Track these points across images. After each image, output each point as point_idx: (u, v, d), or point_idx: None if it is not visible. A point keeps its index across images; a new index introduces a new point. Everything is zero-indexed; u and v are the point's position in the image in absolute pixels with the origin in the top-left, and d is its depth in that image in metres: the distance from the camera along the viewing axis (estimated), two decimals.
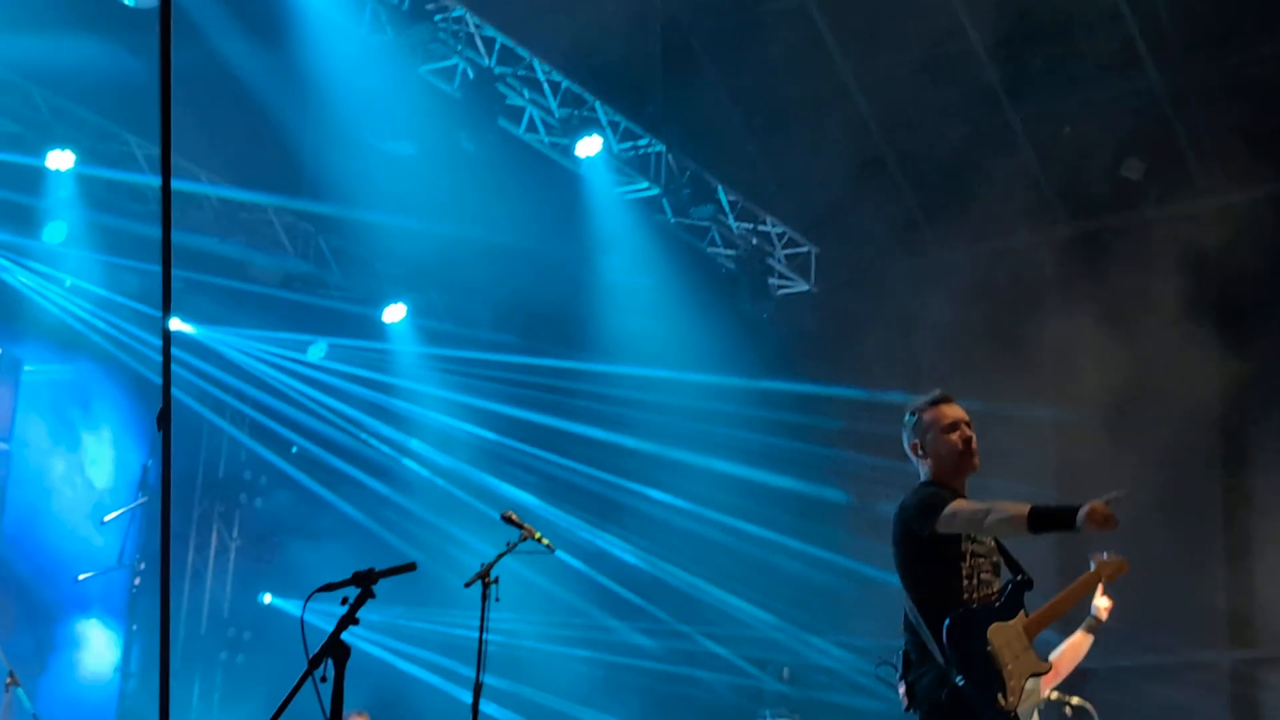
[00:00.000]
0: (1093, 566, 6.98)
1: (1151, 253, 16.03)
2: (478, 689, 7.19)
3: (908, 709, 6.53)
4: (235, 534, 16.66)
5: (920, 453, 6.82)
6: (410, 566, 6.09)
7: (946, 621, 6.34)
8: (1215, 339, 16.15)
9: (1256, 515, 15.70)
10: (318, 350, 16.24)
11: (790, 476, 16.98)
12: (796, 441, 17.09)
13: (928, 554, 6.56)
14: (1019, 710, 6.41)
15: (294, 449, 16.57)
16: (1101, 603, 8.79)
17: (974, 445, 6.77)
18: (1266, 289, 15.57)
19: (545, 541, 7.73)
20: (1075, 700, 9.47)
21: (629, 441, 16.80)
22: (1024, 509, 6.23)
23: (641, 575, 17.04)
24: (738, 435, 16.92)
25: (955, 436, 6.75)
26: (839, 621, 17.05)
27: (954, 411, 6.83)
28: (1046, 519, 6.25)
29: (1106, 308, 15.64)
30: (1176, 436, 15.65)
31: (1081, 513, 6.16)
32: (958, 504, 6.46)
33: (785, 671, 16.93)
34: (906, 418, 6.89)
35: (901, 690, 6.59)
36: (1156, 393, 15.53)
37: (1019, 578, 6.60)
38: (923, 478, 6.85)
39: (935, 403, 6.87)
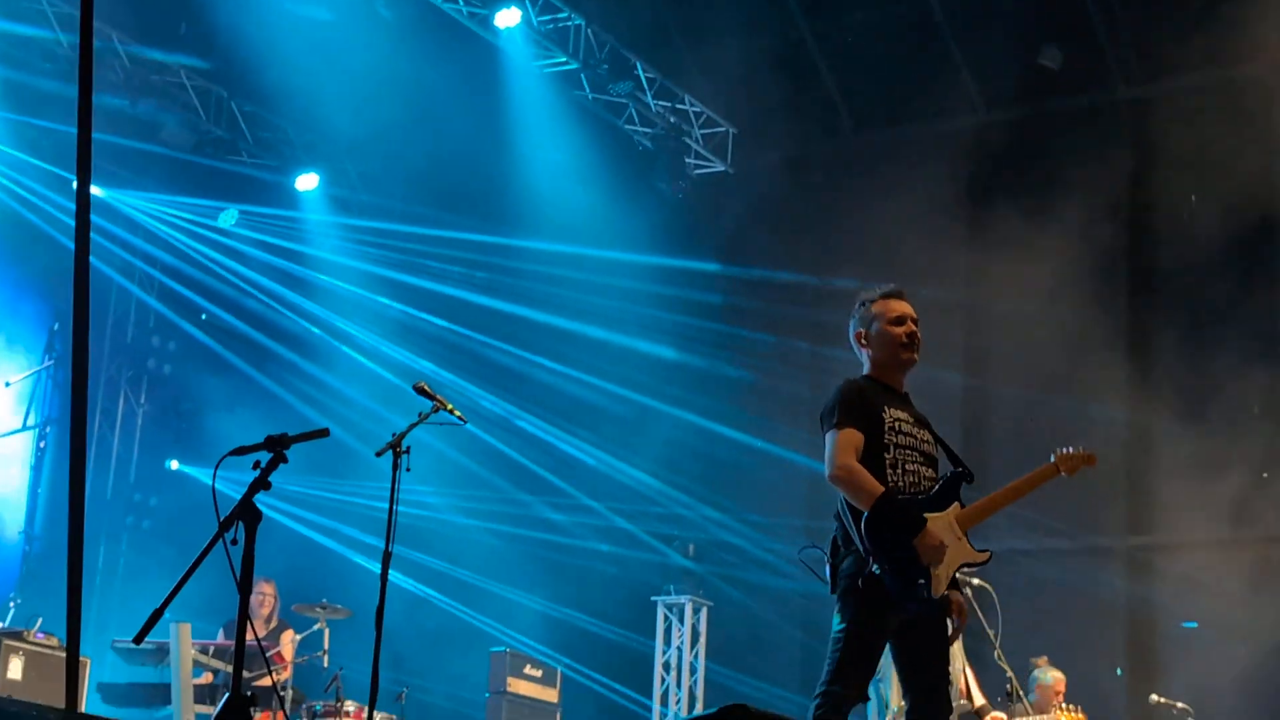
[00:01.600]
0: (1052, 460, 6.98)
1: (1069, 140, 16.15)
2: (386, 559, 7.20)
3: (832, 592, 6.62)
4: (143, 400, 16.54)
5: (864, 341, 6.89)
6: (323, 432, 6.07)
7: (866, 513, 6.42)
8: (1125, 232, 16.34)
9: (1155, 405, 15.96)
10: (229, 217, 16.06)
11: (700, 355, 17.06)
12: (707, 320, 17.15)
13: None
14: None
15: (204, 315, 16.42)
16: None
17: (917, 341, 6.85)
18: (1177, 182, 15.69)
19: (457, 413, 7.71)
20: (976, 581, 9.64)
21: (541, 316, 16.79)
22: (875, 492, 6.40)
23: (552, 450, 17.11)
24: (650, 313, 16.95)
25: (900, 330, 6.83)
26: (744, 499, 17.22)
27: (902, 306, 6.89)
28: (890, 514, 6.42)
29: (1024, 195, 15.73)
30: (1082, 325, 15.85)
31: (919, 540, 6.39)
32: (844, 437, 6.54)
33: (690, 548, 17.09)
34: (857, 307, 6.94)
35: (827, 573, 6.67)
36: (1067, 280, 15.69)
37: (958, 470, 6.67)
38: (864, 368, 6.92)
39: (887, 295, 6.93)
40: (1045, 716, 10.84)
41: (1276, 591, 15.02)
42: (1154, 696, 13.19)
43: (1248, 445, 14.99)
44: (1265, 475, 15.06)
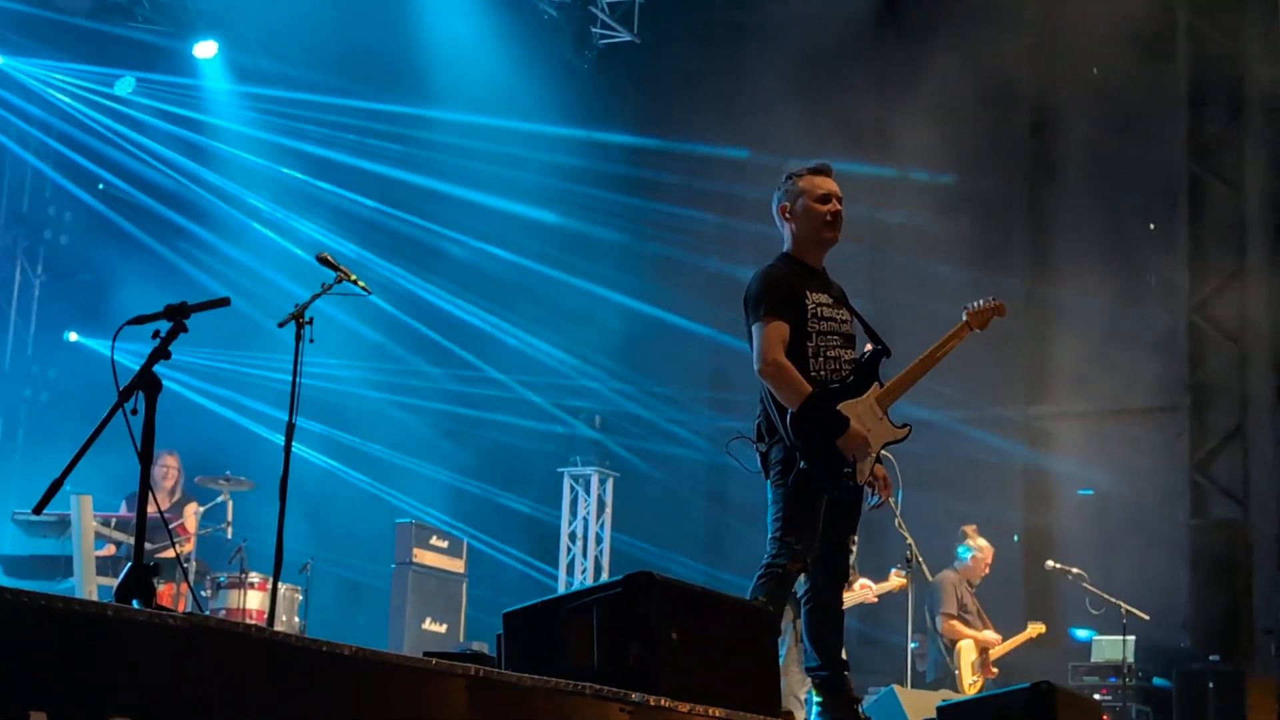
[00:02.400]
0: (963, 317, 7.03)
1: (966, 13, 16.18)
2: (290, 430, 7.15)
3: (766, 477, 6.67)
4: (40, 271, 16.27)
5: (788, 215, 6.86)
6: (223, 301, 6.00)
7: (790, 411, 6.45)
8: (1027, 119, 16.42)
9: (1054, 277, 16.14)
10: (126, 84, 15.72)
11: (608, 227, 17.03)
12: (616, 193, 17.10)
13: None
14: None
15: (101, 185, 16.14)
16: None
17: (840, 220, 6.85)
18: (1079, 56, 15.75)
19: (361, 284, 7.62)
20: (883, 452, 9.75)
21: (447, 188, 16.65)
22: (803, 392, 6.46)
23: (458, 322, 17.05)
24: (558, 185, 16.88)
25: (825, 208, 6.83)
26: (651, 371, 17.30)
27: (829, 184, 6.89)
28: (813, 415, 6.47)
29: (930, 69, 15.72)
30: (982, 197, 15.98)
31: (843, 440, 6.49)
32: (771, 330, 6.56)
33: (596, 419, 17.16)
34: (783, 180, 6.90)
35: (756, 460, 6.72)
36: (969, 153, 15.78)
37: (876, 348, 6.71)
38: (785, 245, 6.91)
39: (815, 171, 6.91)
40: (886, 583, 11.08)
41: (1170, 459, 15.32)
42: (1050, 562, 13.45)
43: (1146, 316, 15.19)
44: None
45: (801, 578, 6.82)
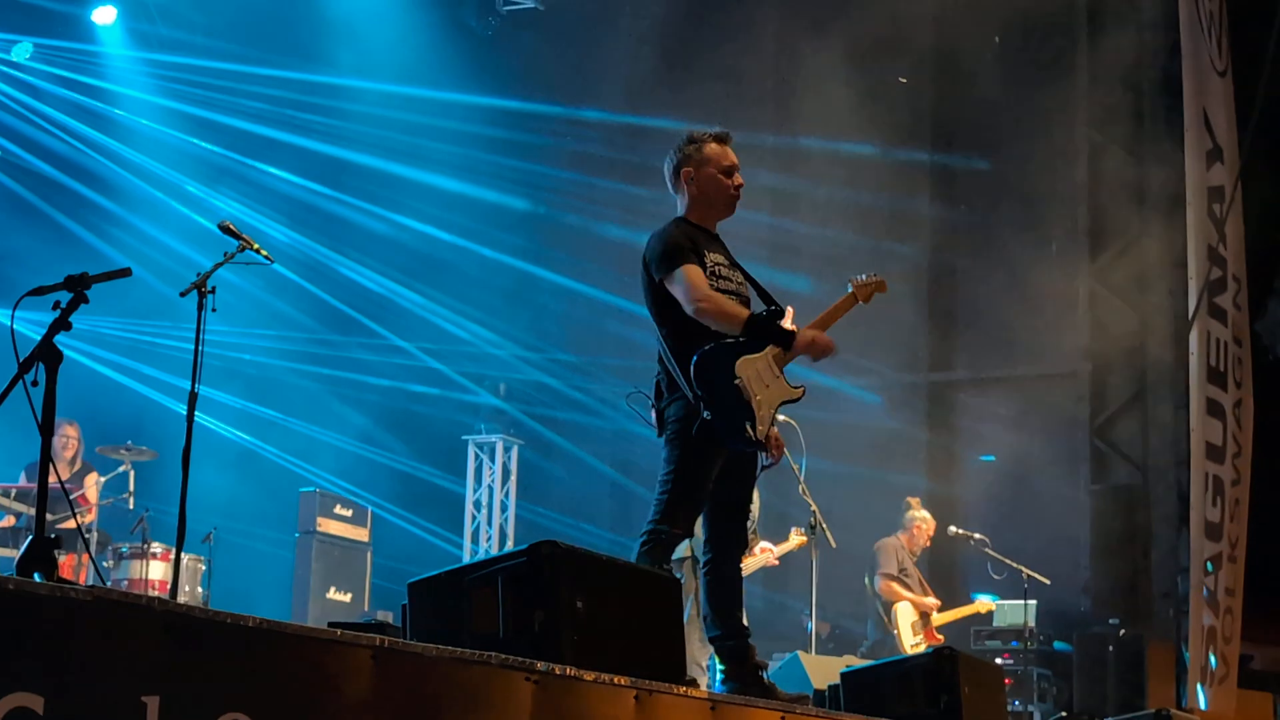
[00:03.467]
0: (850, 289, 7.11)
1: None
2: (193, 399, 7.10)
3: (659, 435, 6.69)
4: None
5: (689, 180, 6.85)
6: (125, 272, 5.95)
7: (694, 359, 6.48)
8: (929, 74, 16.52)
9: (959, 252, 16.30)
10: (22, 50, 15.48)
11: (511, 194, 17.02)
12: (518, 160, 17.06)
13: (663, 290, 6.66)
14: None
15: None
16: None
17: (740, 194, 6.89)
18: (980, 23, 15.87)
19: (264, 253, 7.56)
20: (780, 418, 9.82)
21: (350, 155, 16.56)
22: (743, 315, 6.52)
23: (362, 290, 16.96)
24: (461, 151, 16.80)
25: (730, 181, 6.86)
26: (555, 338, 17.31)
27: (732, 155, 6.92)
28: (761, 330, 6.55)
29: (831, 34, 15.76)
30: (886, 165, 16.10)
31: (799, 340, 6.60)
32: (692, 273, 6.56)
33: (501, 387, 17.15)
34: (685, 145, 6.87)
35: (653, 418, 6.73)
36: (874, 122, 15.87)
37: (772, 309, 6.74)
38: (679, 209, 6.92)
39: (718, 139, 6.91)
40: (787, 543, 11.22)
41: (1070, 425, 15.52)
42: (952, 528, 13.61)
43: (1046, 283, 15.36)
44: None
45: (702, 547, 6.87)
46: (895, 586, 12.92)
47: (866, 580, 13.08)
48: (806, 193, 16.34)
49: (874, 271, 7.26)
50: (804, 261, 15.34)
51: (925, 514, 13.33)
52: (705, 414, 6.45)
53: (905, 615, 12.87)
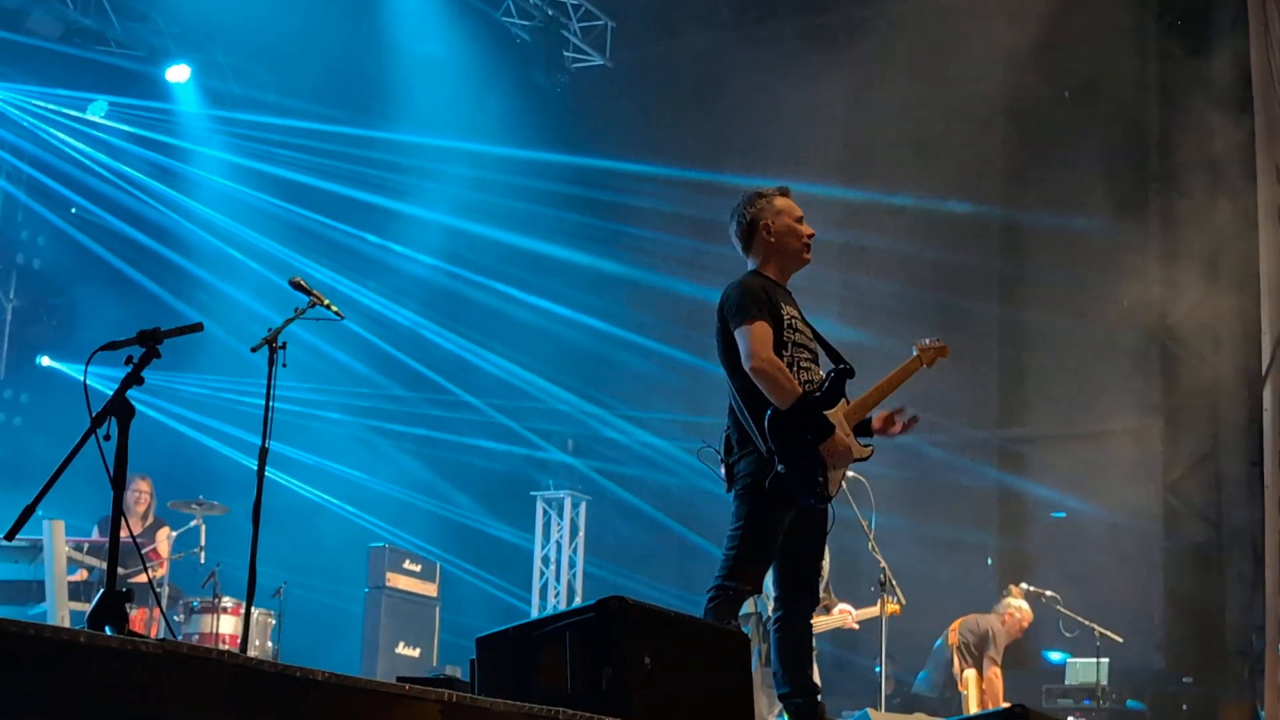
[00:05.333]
0: (914, 352, 7.11)
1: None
2: (263, 455, 7.13)
3: (729, 490, 6.67)
4: (11, 295, 16.21)
5: (766, 233, 6.85)
6: (196, 327, 6.00)
7: (768, 412, 6.46)
8: (1000, 130, 16.46)
9: (1027, 300, 16.20)
10: (98, 108, 15.70)
11: (579, 250, 17.04)
12: (587, 216, 17.12)
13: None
14: None
15: (73, 209, 16.11)
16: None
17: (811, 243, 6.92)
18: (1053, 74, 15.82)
19: (334, 308, 7.61)
20: (850, 474, 9.76)
21: (420, 212, 16.68)
22: (795, 392, 6.48)
23: (430, 346, 17.05)
24: (530, 209, 16.89)
25: (804, 229, 6.91)
26: (623, 395, 17.30)
27: (797, 208, 6.93)
28: (806, 416, 6.49)
29: (905, 89, 15.76)
30: (957, 220, 16.04)
31: (828, 445, 6.50)
32: (759, 330, 6.55)
33: (569, 443, 17.16)
34: (755, 199, 6.91)
35: (722, 472, 6.72)
36: (945, 177, 15.83)
37: (841, 366, 6.72)
38: (751, 264, 6.93)
39: (784, 193, 6.97)
40: (872, 609, 11.06)
41: (1143, 481, 15.36)
42: (1023, 585, 13.47)
43: (1117, 337, 15.25)
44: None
45: (773, 603, 6.84)
46: (997, 673, 12.73)
47: (956, 647, 12.88)
48: (875, 247, 16.30)
49: (940, 335, 7.24)
50: (872, 317, 15.29)
51: (1025, 606, 13.13)
52: (779, 468, 6.43)
53: (979, 701, 12.69)
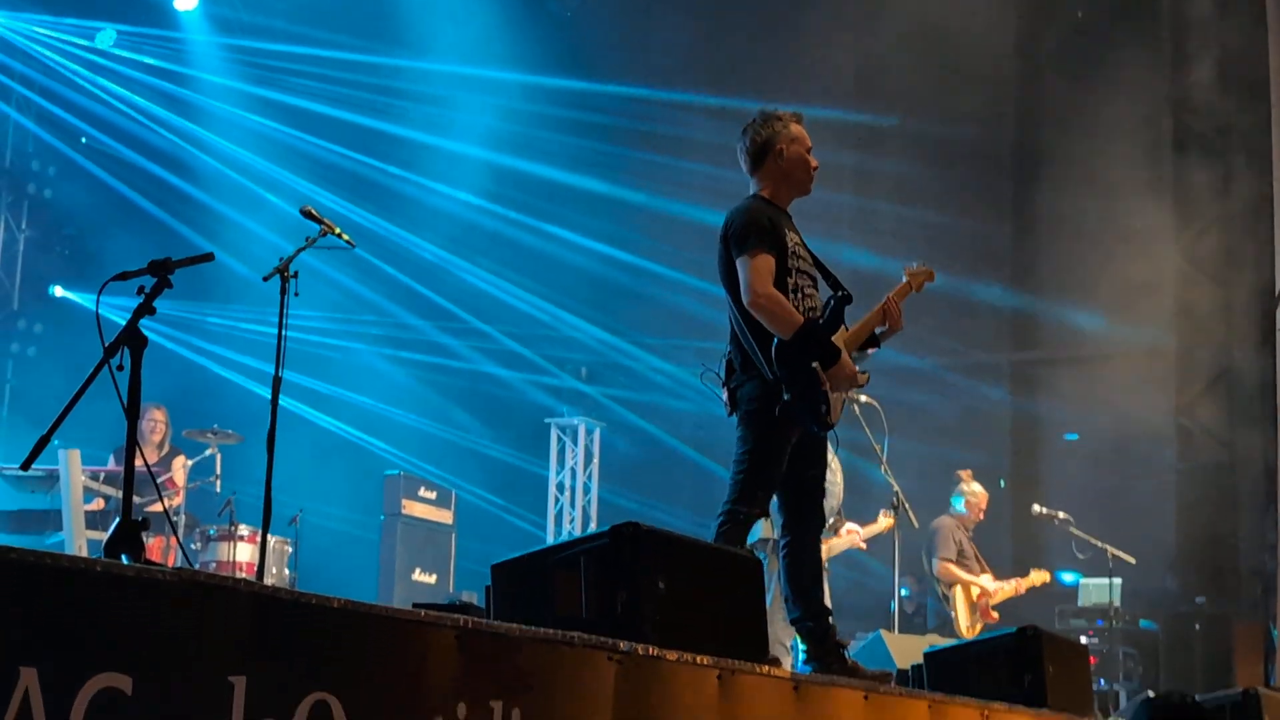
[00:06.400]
0: (905, 278, 7.11)
1: None
2: (277, 384, 7.14)
3: (730, 414, 6.68)
4: (24, 225, 16.22)
5: (778, 158, 6.80)
6: (208, 257, 5.99)
7: (776, 340, 6.46)
8: (1012, 42, 16.37)
9: (1042, 231, 16.17)
10: (106, 37, 15.64)
11: (589, 176, 17.00)
12: (599, 142, 17.06)
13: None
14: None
15: (84, 139, 16.08)
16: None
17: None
18: None
19: (345, 237, 7.60)
20: (863, 398, 9.79)
21: (431, 139, 16.62)
22: (796, 322, 6.46)
23: (443, 275, 17.04)
24: (541, 134, 16.83)
25: (811, 159, 6.87)
26: (636, 321, 17.30)
27: (809, 139, 6.90)
28: (813, 344, 6.47)
29: (907, 12, 15.66)
30: (965, 143, 15.99)
31: (835, 369, 6.51)
32: (762, 263, 6.52)
33: (583, 370, 17.18)
34: (771, 121, 6.85)
35: (724, 396, 6.72)
36: (952, 105, 15.76)
37: (840, 294, 6.70)
38: (753, 187, 6.88)
39: (799, 120, 6.91)
40: (874, 525, 11.16)
41: (1155, 403, 15.38)
42: (1036, 507, 13.50)
43: (1130, 261, 15.22)
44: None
45: (779, 529, 6.87)
46: (953, 569, 12.78)
47: (924, 561, 12.96)
48: (887, 171, 16.26)
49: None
50: (884, 241, 15.26)
51: (977, 487, 13.12)
52: (785, 395, 6.43)
53: (962, 599, 12.75)
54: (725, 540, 6.37)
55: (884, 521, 11.19)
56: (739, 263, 6.56)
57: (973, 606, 12.73)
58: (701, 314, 16.20)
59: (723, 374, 6.76)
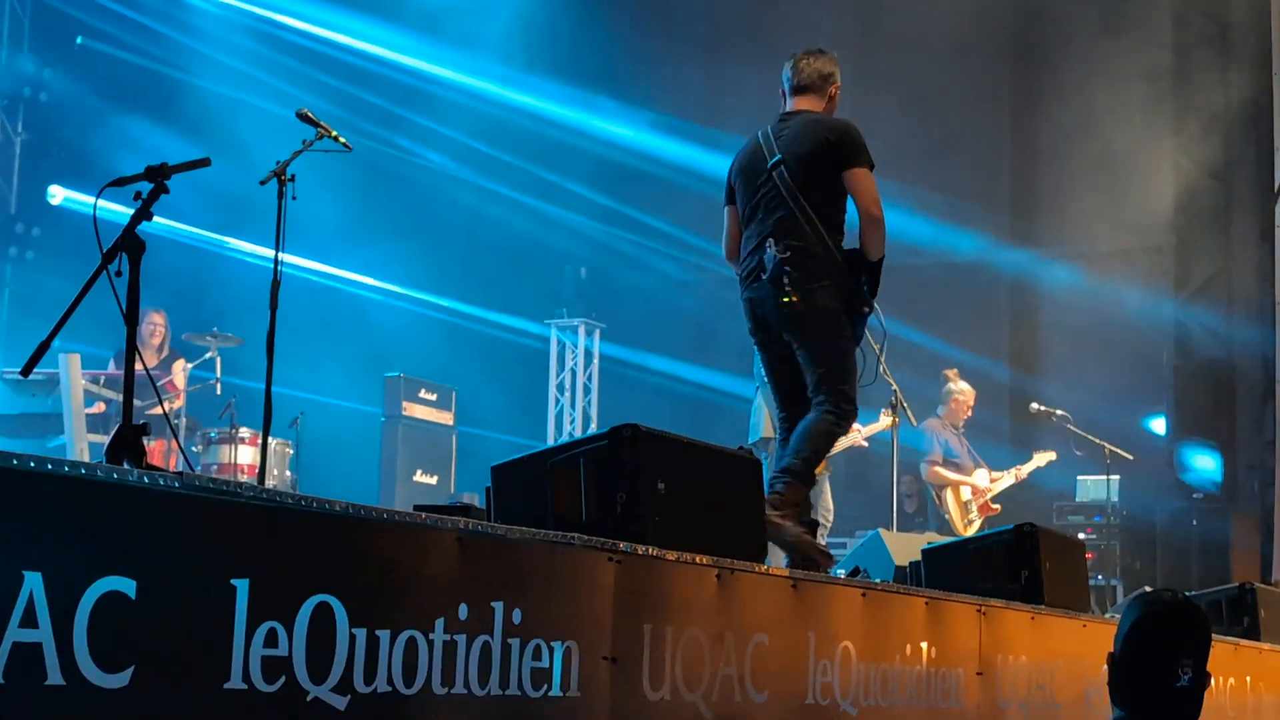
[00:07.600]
0: None
1: None
2: (275, 286, 7.11)
3: (797, 309, 6.77)
4: (20, 128, 16.12)
5: (833, 96, 7.11)
6: (204, 161, 5.96)
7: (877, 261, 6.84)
8: None
9: (1042, 126, 16.12)
10: None
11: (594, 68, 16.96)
12: (590, 28, 17.00)
13: (837, 178, 6.81)
14: None
15: (79, 40, 15.94)
16: None
17: None
18: None
19: (342, 140, 7.57)
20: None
21: (429, 42, 16.52)
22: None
23: (440, 172, 16.96)
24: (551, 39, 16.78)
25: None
26: (637, 226, 17.24)
27: None
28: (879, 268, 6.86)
29: None
30: (974, 48, 15.92)
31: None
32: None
33: (582, 270, 17.12)
34: (836, 62, 7.14)
35: (792, 298, 6.76)
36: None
37: None
38: (797, 105, 7.10)
39: None
40: (875, 424, 11.31)
41: (1154, 299, 15.39)
42: (1034, 405, 13.54)
43: (1130, 156, 15.19)
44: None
45: (778, 423, 7.01)
46: (940, 471, 12.83)
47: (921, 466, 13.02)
48: (890, 69, 16.17)
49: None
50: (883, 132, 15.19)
51: (964, 385, 13.15)
52: (865, 308, 6.86)
53: (954, 498, 12.81)
54: (826, 443, 6.80)
55: (884, 420, 11.27)
56: (861, 173, 6.79)
57: (965, 505, 12.79)
58: (700, 211, 16.21)
59: (772, 268, 6.74)
